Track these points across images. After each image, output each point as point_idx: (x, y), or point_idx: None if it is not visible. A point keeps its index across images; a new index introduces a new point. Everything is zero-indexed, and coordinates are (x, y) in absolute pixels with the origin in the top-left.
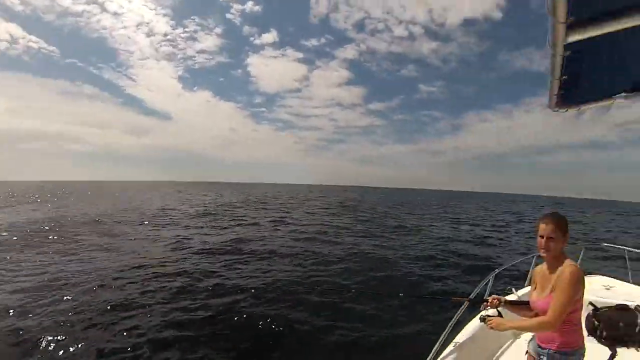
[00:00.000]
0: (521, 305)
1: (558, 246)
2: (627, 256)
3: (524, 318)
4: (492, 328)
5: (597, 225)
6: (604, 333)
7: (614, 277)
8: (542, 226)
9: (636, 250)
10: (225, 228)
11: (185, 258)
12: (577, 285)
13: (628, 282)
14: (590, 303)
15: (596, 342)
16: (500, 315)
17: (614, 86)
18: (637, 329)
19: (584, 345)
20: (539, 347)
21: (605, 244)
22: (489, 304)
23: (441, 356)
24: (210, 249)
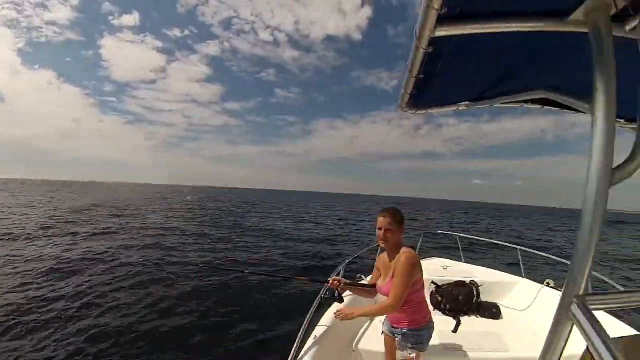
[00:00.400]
0: (361, 288)
1: (395, 237)
2: (459, 241)
3: (369, 306)
4: (342, 319)
5: (432, 221)
6: (448, 306)
7: (449, 259)
8: (380, 219)
9: (465, 236)
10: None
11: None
12: (413, 269)
13: (461, 262)
14: (433, 282)
15: (441, 314)
16: (340, 296)
17: (463, 93)
18: (474, 300)
19: (431, 320)
20: (392, 327)
21: (440, 231)
22: (329, 285)
23: (303, 351)
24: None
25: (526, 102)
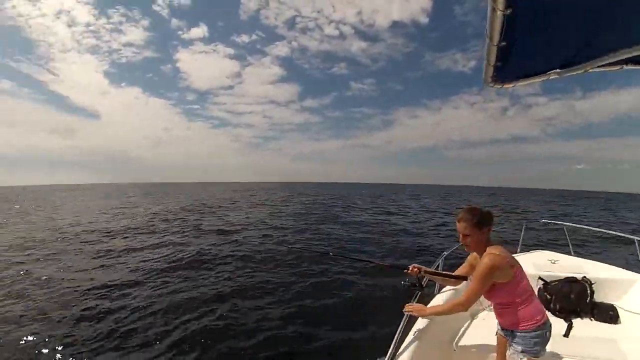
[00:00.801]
0: (444, 276)
1: (475, 240)
2: (566, 232)
3: (440, 305)
4: (413, 314)
5: (532, 213)
6: (557, 306)
7: (556, 252)
8: (457, 225)
9: (573, 225)
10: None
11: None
12: (490, 273)
13: (570, 255)
14: (540, 278)
15: (551, 315)
16: (421, 284)
17: (552, 59)
18: (587, 300)
19: (546, 322)
20: (505, 329)
21: (544, 220)
22: (409, 271)
23: (403, 346)
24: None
25: (624, 63)
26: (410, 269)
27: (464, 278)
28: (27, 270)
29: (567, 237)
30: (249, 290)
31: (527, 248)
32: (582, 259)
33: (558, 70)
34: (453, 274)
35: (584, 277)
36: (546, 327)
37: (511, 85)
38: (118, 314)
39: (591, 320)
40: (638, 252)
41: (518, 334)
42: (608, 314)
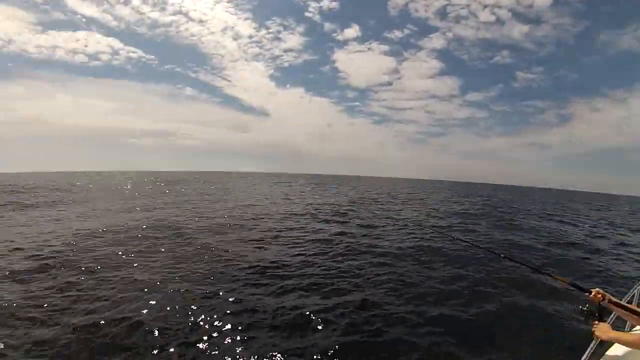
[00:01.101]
0: (634, 313)
1: None
2: None
3: (634, 333)
4: (594, 333)
5: None
6: None
7: None
8: None
9: None
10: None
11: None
12: None
13: None
14: None
15: None
16: (600, 314)
17: None
18: None
19: None
20: None
21: None
22: (591, 296)
23: None
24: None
25: None
26: (594, 293)
27: None
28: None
29: None
30: (399, 284)
31: None
32: None
33: None
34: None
35: None
36: None
37: None
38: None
39: None
40: None
41: None
42: None
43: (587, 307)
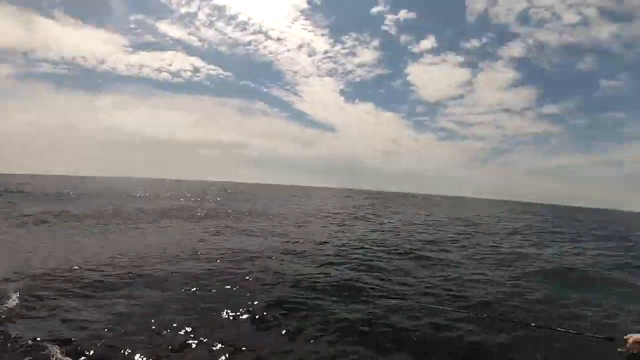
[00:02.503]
0: None
1: None
2: None
3: None
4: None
5: None
6: None
7: None
8: None
9: None
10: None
11: None
12: None
13: None
14: None
15: None
16: None
17: None
18: None
19: None
20: None
21: None
22: (628, 343)
23: None
24: None
25: None
26: (631, 341)
27: None
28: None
29: None
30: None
31: None
32: None
33: None
34: None
35: None
36: None
37: None
38: None
39: None
40: None
41: None
42: None
43: (625, 352)
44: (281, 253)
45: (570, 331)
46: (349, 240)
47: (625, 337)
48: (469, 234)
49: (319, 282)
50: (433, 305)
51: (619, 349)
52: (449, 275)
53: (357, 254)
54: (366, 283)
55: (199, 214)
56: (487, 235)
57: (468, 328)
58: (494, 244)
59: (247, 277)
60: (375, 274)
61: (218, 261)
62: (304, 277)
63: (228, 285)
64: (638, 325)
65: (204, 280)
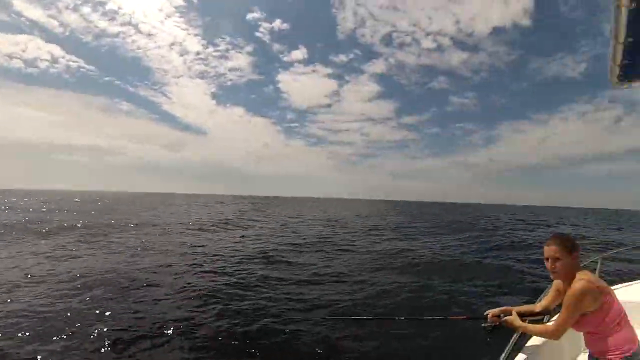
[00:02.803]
0: (526, 316)
1: (565, 266)
2: None
3: (533, 325)
4: (504, 323)
5: None
6: None
7: None
8: (546, 249)
9: None
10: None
11: None
12: (581, 300)
13: None
14: None
15: None
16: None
17: None
18: None
19: (636, 350)
20: (593, 358)
21: None
22: (489, 318)
23: None
24: None
25: None
26: (490, 316)
27: (546, 313)
28: None
29: None
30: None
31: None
32: None
33: None
34: (541, 305)
35: None
36: (636, 357)
37: None
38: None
39: None
40: None
41: None
42: None
43: (490, 326)
44: (136, 269)
45: (435, 317)
46: (211, 250)
47: (485, 314)
48: (329, 235)
49: (172, 299)
50: (287, 309)
51: (482, 325)
52: (312, 279)
53: (217, 263)
54: (220, 291)
55: (45, 229)
56: (349, 234)
57: (324, 332)
58: (353, 242)
59: (85, 307)
60: (234, 280)
61: (53, 288)
62: (154, 297)
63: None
64: (494, 300)
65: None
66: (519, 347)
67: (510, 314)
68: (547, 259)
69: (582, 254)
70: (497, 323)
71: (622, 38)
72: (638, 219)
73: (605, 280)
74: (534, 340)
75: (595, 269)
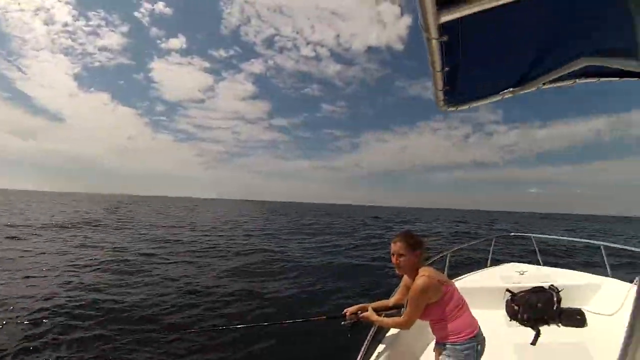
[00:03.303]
0: (382, 311)
1: (409, 261)
2: (535, 243)
3: (386, 318)
4: (362, 319)
5: (501, 232)
6: (525, 315)
7: (525, 263)
8: (393, 245)
9: (541, 236)
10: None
11: None
12: (423, 294)
13: (539, 265)
14: (508, 290)
15: (518, 325)
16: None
17: (502, 80)
18: (554, 307)
19: (477, 335)
20: (438, 343)
21: (514, 234)
22: (347, 316)
23: None
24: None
25: (576, 77)
26: (348, 314)
27: (399, 307)
28: None
29: (536, 248)
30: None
31: (497, 262)
32: (551, 268)
33: (511, 89)
34: (394, 300)
35: (551, 285)
36: (477, 339)
37: (466, 107)
38: None
39: (559, 326)
40: (604, 257)
41: (448, 346)
42: (575, 319)
43: (349, 324)
44: None
45: (296, 320)
46: (52, 259)
47: (343, 312)
48: (184, 239)
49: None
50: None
51: (342, 323)
52: (165, 292)
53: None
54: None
55: None
56: (209, 236)
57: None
58: (215, 246)
59: None
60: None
61: None
62: None
63: None
64: (354, 299)
65: None
66: (378, 340)
67: (367, 310)
68: (393, 255)
69: (434, 249)
70: (356, 320)
71: (438, 68)
72: (481, 216)
73: (452, 269)
74: (392, 332)
75: (445, 262)
